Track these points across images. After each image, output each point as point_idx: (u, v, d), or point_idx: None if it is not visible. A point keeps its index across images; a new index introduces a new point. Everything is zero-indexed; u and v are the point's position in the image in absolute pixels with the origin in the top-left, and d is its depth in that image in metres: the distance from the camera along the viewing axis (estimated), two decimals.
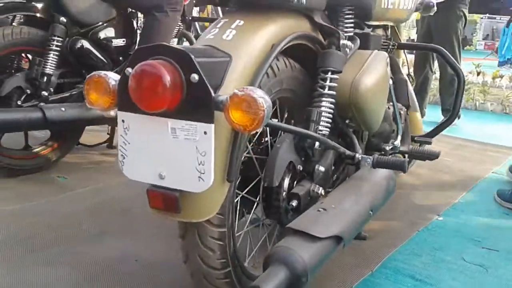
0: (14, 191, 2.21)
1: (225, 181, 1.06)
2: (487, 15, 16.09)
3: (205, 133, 0.93)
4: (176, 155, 0.96)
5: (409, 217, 2.14)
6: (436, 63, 4.28)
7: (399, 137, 1.93)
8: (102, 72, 1.00)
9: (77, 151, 2.78)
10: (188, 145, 0.95)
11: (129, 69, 0.95)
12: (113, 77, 1.00)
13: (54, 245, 1.74)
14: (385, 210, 2.17)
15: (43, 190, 2.24)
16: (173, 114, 0.95)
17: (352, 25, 1.52)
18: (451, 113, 2.10)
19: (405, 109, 2.05)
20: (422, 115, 3.57)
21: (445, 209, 2.28)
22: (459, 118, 4.39)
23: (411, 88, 2.27)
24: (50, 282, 1.51)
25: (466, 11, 4.00)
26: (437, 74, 4.40)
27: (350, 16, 1.51)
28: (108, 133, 2.95)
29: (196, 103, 0.93)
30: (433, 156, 1.86)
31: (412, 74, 2.56)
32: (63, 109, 2.21)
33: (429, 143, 2.10)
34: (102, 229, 1.89)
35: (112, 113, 2.39)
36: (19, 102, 2.24)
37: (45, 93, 2.27)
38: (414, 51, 4.30)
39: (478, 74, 7.19)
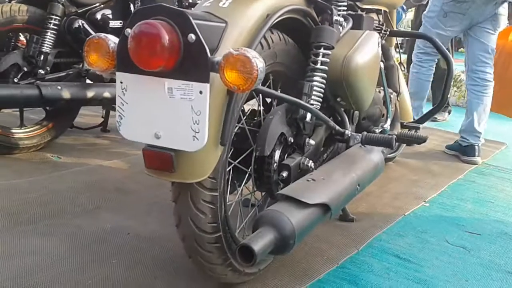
0: (9, 168, 2.23)
1: (219, 144, 1.09)
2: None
3: (200, 92, 0.97)
4: (172, 114, 1.00)
5: (397, 202, 2.19)
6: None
7: (389, 121, 1.97)
8: (102, 34, 1.03)
9: (71, 133, 2.81)
10: (184, 104, 0.98)
11: (128, 30, 0.98)
12: (112, 39, 1.03)
13: (48, 218, 1.77)
14: (374, 195, 2.24)
15: (38, 168, 2.26)
16: (170, 73, 0.98)
17: (345, 3, 1.56)
18: (440, 100, 2.14)
19: (395, 94, 2.09)
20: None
21: (432, 196, 2.33)
22: (449, 113, 4.46)
23: (402, 76, 2.31)
24: (42, 251, 1.53)
25: None
26: None
27: None
28: (102, 117, 2.98)
29: (193, 63, 0.96)
30: (420, 140, 1.91)
31: (404, 64, 2.61)
32: (59, 87, 2.24)
33: (418, 128, 2.15)
34: (96, 205, 1.92)
35: (106, 93, 2.43)
36: (15, 80, 2.26)
37: (41, 71, 2.29)
38: (408, 49, 4.37)
39: None
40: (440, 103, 2.18)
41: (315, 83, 1.40)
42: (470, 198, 2.36)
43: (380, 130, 1.90)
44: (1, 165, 2.26)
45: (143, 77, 1.00)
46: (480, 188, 2.52)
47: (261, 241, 1.03)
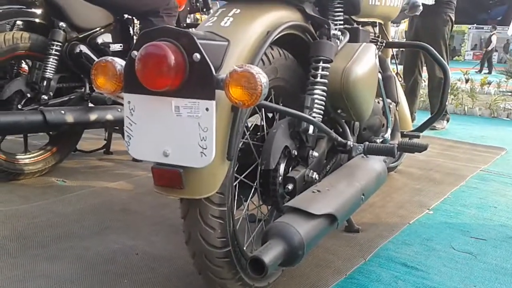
0: (15, 194, 2.25)
1: (225, 159, 1.12)
2: (475, 25, 16.44)
3: (207, 109, 1.00)
4: (180, 132, 1.02)
5: (401, 211, 2.21)
6: (424, 68, 4.40)
7: (389, 131, 2.00)
8: (109, 58, 1.06)
9: (75, 157, 2.83)
10: (191, 122, 1.01)
11: (135, 52, 1.01)
12: (119, 62, 1.06)
13: (57, 241, 1.78)
14: (378, 205, 2.25)
15: (44, 193, 2.28)
16: (177, 92, 1.01)
17: (341, 17, 1.60)
18: (438, 108, 2.18)
19: (394, 104, 2.13)
20: (413, 119, 3.66)
21: (435, 203, 2.35)
22: (448, 121, 4.50)
23: (399, 85, 2.35)
24: (54, 274, 1.55)
25: (452, 16, 4.13)
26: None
27: (339, 9, 1.59)
28: (105, 139, 3.01)
29: (198, 81, 0.99)
30: (421, 148, 1.93)
31: (402, 76, 2.65)
32: (62, 112, 2.27)
33: (418, 137, 2.17)
34: (103, 227, 1.93)
35: (109, 116, 2.46)
36: (19, 106, 2.29)
37: (45, 97, 2.32)
38: (404, 59, 4.43)
39: (467, 81, 7.36)
40: (439, 111, 2.21)
41: (316, 96, 1.43)
42: (473, 204, 2.37)
43: (381, 140, 1.93)
44: (7, 191, 2.28)
45: (150, 97, 1.03)
46: (482, 194, 2.53)
47: (271, 253, 1.05)
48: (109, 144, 2.99)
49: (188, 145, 1.02)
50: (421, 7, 2.37)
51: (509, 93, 6.53)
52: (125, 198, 2.27)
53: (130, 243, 1.78)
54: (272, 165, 1.30)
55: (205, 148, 1.01)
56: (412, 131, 2.25)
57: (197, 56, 0.98)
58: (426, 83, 4.50)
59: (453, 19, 4.23)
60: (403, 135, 2.21)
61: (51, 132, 2.52)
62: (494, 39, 15.74)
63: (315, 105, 1.42)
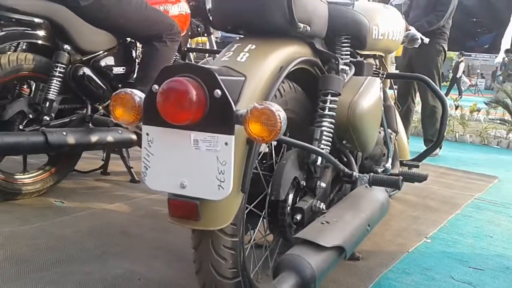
0: (13, 214, 2.23)
1: (240, 191, 1.14)
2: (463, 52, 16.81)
3: (226, 144, 1.02)
4: (198, 165, 1.04)
5: (400, 239, 2.23)
6: (418, 95, 4.48)
7: (390, 160, 2.04)
8: (128, 89, 1.08)
9: (72, 177, 2.82)
10: (210, 155, 1.03)
11: (156, 86, 1.04)
12: (138, 94, 1.08)
13: (57, 265, 1.77)
14: (376, 233, 2.27)
15: (42, 214, 2.27)
16: (196, 126, 1.03)
17: (348, 53, 1.64)
18: (436, 139, 2.22)
19: (395, 134, 2.17)
20: None
21: (432, 232, 2.38)
22: (440, 148, 4.57)
23: (398, 115, 2.40)
24: None
25: (445, 46, 4.23)
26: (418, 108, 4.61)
27: (346, 44, 1.63)
28: (102, 160, 3.00)
29: (218, 116, 1.02)
30: (422, 178, 1.97)
31: (398, 103, 2.71)
32: (64, 133, 2.27)
33: (417, 166, 2.21)
34: (103, 250, 1.92)
35: (110, 138, 2.47)
36: (21, 127, 2.29)
37: (46, 118, 2.33)
38: (397, 85, 4.52)
39: (456, 108, 7.48)
40: (437, 142, 2.26)
41: (324, 128, 1.46)
42: (470, 233, 2.41)
43: (382, 170, 1.96)
44: (5, 211, 2.26)
45: (169, 129, 1.05)
46: (478, 223, 2.57)
47: (284, 287, 1.06)
48: (107, 165, 2.99)
49: (206, 178, 1.04)
50: (419, 40, 2.43)
51: (498, 121, 6.65)
52: (124, 220, 2.26)
53: (131, 268, 1.78)
54: (282, 196, 1.32)
55: (222, 181, 1.03)
56: (411, 160, 2.29)
57: (218, 92, 1.01)
58: (418, 109, 4.59)
59: (446, 49, 4.34)
60: (402, 164, 2.25)
61: (52, 153, 2.52)
62: (461, 66, 16.10)
63: (324, 137, 1.45)
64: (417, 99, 4.54)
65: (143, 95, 1.08)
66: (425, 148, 4.41)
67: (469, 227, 2.49)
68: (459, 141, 5.56)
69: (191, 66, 1.03)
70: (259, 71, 1.20)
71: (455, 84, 15.30)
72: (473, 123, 6.71)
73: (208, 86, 1.01)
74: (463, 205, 2.86)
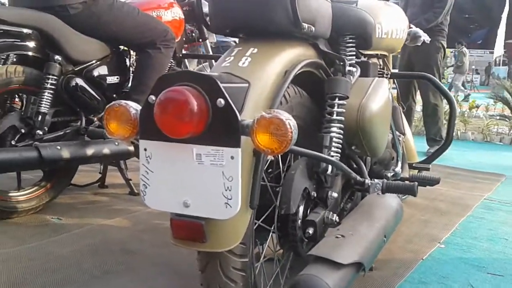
0: (8, 234, 2.13)
1: (248, 208, 1.05)
2: (456, 49, 16.76)
3: (232, 157, 0.92)
4: (202, 181, 0.95)
5: (412, 246, 2.14)
6: (418, 94, 4.41)
7: (399, 164, 1.95)
8: (123, 102, 0.99)
9: (69, 192, 2.73)
10: (214, 170, 0.94)
11: (152, 97, 0.95)
12: (133, 106, 0.99)
13: None
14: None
15: (38, 232, 2.17)
16: (198, 139, 0.94)
17: (353, 53, 1.55)
18: (445, 139, 2.14)
19: (403, 136, 2.08)
20: None
21: (445, 236, 2.29)
22: None
23: (403, 116, 2.31)
24: None
25: (444, 43, 4.16)
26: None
27: (351, 44, 1.55)
28: (99, 172, 2.91)
29: (222, 128, 0.93)
30: (434, 181, 1.88)
31: (402, 103, 2.62)
32: (58, 147, 2.18)
33: (428, 169, 2.12)
34: (104, 270, 1.83)
35: (106, 150, 2.38)
36: (13, 142, 2.19)
37: (39, 132, 2.23)
38: (398, 86, 4.44)
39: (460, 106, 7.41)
40: (446, 142, 2.17)
41: (333, 134, 1.37)
42: (484, 236, 2.32)
43: (392, 174, 1.88)
44: (0, 231, 2.17)
45: (169, 144, 0.96)
46: (491, 225, 2.48)
47: None
48: (104, 178, 2.89)
49: (211, 195, 0.95)
50: (422, 38, 2.35)
51: (498, 117, 6.58)
52: (124, 236, 2.16)
53: None
54: (292, 210, 1.23)
55: (230, 199, 0.94)
56: (421, 162, 2.20)
57: (221, 101, 0.92)
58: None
59: (445, 46, 4.27)
60: (411, 167, 2.16)
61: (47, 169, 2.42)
62: (466, 61, 15.96)
63: (333, 144, 1.36)
64: (417, 97, 4.46)
65: (139, 107, 0.99)
66: (427, 147, 4.36)
67: (482, 230, 2.40)
68: (461, 139, 5.48)
69: (190, 74, 0.94)
70: (263, 77, 1.11)
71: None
72: (473, 120, 6.64)
73: (210, 95, 0.92)
74: (474, 206, 2.77)
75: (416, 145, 2.48)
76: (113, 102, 1.00)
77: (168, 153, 0.97)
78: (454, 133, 5.42)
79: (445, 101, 4.62)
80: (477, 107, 7.82)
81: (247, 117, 0.98)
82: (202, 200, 0.96)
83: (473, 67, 21.82)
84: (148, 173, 0.99)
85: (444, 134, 4.66)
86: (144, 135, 0.98)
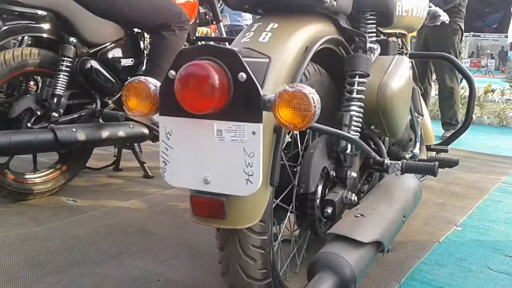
0: (25, 216, 2.15)
1: (268, 186, 1.03)
2: (472, 33, 16.50)
3: (253, 133, 0.91)
4: (222, 157, 0.94)
5: (428, 228, 2.12)
6: (434, 77, 4.34)
7: (418, 145, 1.92)
8: (142, 77, 0.98)
9: (83, 174, 2.75)
10: (235, 146, 0.93)
11: (172, 72, 0.93)
12: (153, 82, 0.98)
13: (73, 267, 1.69)
14: None
15: (55, 214, 2.19)
16: (219, 115, 0.92)
17: (374, 31, 1.52)
18: (464, 120, 2.10)
19: (421, 118, 2.05)
20: None
21: (462, 219, 2.26)
22: None
23: (421, 97, 2.27)
24: None
25: (462, 25, 4.08)
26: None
27: (372, 21, 1.52)
28: (114, 155, 2.92)
29: (244, 103, 0.91)
30: (453, 163, 1.85)
31: (419, 84, 2.58)
32: (74, 129, 2.18)
33: (446, 151, 2.09)
34: (120, 250, 1.84)
35: (121, 133, 2.38)
36: (29, 124, 2.20)
37: (55, 114, 2.24)
38: (414, 65, 4.38)
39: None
40: (465, 123, 2.13)
41: (353, 112, 1.35)
42: (501, 219, 2.29)
43: (410, 156, 1.85)
44: (17, 212, 2.19)
45: (189, 120, 0.95)
46: (508, 208, 2.45)
47: None
48: (119, 161, 2.90)
49: (232, 171, 0.94)
50: (441, 17, 2.30)
51: None
52: (139, 218, 2.17)
53: (150, 268, 1.69)
54: (312, 189, 1.21)
55: (251, 175, 0.93)
56: (438, 144, 2.17)
57: (242, 75, 0.90)
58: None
59: (463, 28, 4.18)
60: (429, 149, 2.13)
61: (62, 151, 2.43)
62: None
63: (353, 123, 1.34)
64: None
65: (158, 83, 0.98)
66: (443, 131, 4.31)
67: (499, 213, 2.37)
68: (477, 123, 5.41)
69: (211, 48, 0.92)
70: (284, 52, 1.09)
71: None
72: (488, 104, 6.54)
73: (231, 69, 0.90)
74: (491, 189, 2.74)
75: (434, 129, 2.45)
76: (132, 78, 0.99)
77: (188, 129, 0.95)
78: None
79: (461, 84, 4.56)
80: (493, 91, 7.70)
81: (268, 92, 0.96)
82: (222, 176, 0.95)
83: (488, 51, 21.45)
84: (168, 149, 0.98)
85: (459, 118, 4.62)
86: (164, 111, 0.97)
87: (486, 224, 2.22)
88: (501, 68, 21.16)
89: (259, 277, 1.11)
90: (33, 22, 2.19)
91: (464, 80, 3.04)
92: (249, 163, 0.92)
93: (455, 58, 2.10)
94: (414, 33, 4.27)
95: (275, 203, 1.25)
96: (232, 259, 1.10)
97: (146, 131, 2.46)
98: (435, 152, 2.11)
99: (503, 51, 25.28)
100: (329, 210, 1.28)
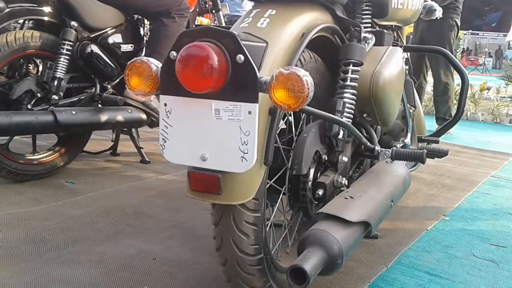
0: (24, 195, 2.20)
1: (262, 164, 1.08)
2: (470, 31, 16.49)
3: (249, 112, 0.96)
4: (219, 135, 0.99)
5: (417, 218, 2.18)
6: (429, 73, 4.39)
7: (409, 135, 1.97)
8: (144, 58, 1.02)
9: (82, 158, 2.79)
10: (232, 125, 0.97)
11: (174, 53, 0.98)
12: (154, 63, 1.02)
13: (71, 245, 1.74)
14: (393, 211, 2.20)
15: (53, 194, 2.23)
16: (217, 95, 0.97)
17: (369, 21, 1.57)
18: (456, 112, 2.15)
19: (413, 109, 2.10)
20: None
21: (450, 209, 2.32)
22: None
23: (414, 90, 2.32)
24: (69, 279, 1.50)
25: (458, 21, 4.12)
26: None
27: (367, 12, 1.56)
28: (112, 140, 2.96)
29: (241, 84, 0.96)
30: (442, 153, 1.91)
31: (414, 78, 2.63)
32: (73, 112, 2.23)
33: (437, 142, 2.15)
34: (116, 230, 1.89)
35: (120, 117, 2.42)
36: (29, 106, 2.24)
37: (55, 97, 2.28)
38: (409, 59, 4.42)
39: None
40: (456, 115, 2.18)
41: (346, 99, 1.40)
42: (489, 210, 2.35)
43: (401, 145, 1.90)
44: (16, 192, 2.23)
45: (188, 99, 0.99)
46: (496, 200, 2.51)
47: (311, 262, 1.01)
48: (116, 145, 2.94)
49: (228, 149, 0.99)
50: (437, 12, 2.34)
51: (509, 98, 6.54)
52: (136, 201, 2.22)
53: (145, 248, 1.74)
54: (304, 171, 1.26)
55: (246, 153, 0.97)
56: (430, 135, 2.23)
57: (240, 57, 0.95)
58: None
59: (459, 24, 4.23)
60: (420, 140, 2.18)
61: (61, 134, 2.47)
62: None
63: (346, 109, 1.39)
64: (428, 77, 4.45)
65: (159, 64, 1.02)
66: (437, 127, 4.36)
67: (487, 205, 2.43)
68: (471, 119, 5.47)
69: (211, 30, 0.97)
70: (281, 38, 1.14)
71: None
72: (483, 102, 6.60)
73: (230, 51, 0.95)
74: (480, 182, 2.80)
75: (427, 124, 2.49)
76: (135, 58, 1.03)
77: (187, 108, 1.00)
78: (464, 114, 5.39)
79: (457, 81, 4.61)
80: (488, 89, 7.76)
81: (264, 75, 1.00)
82: (219, 153, 1.00)
83: (486, 49, 21.46)
84: (168, 127, 1.03)
85: (453, 113, 4.68)
86: (164, 90, 1.01)
87: (474, 214, 2.28)
88: (497, 67, 21.21)
89: (251, 252, 1.16)
90: (35, 5, 2.23)
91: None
92: (244, 141, 0.97)
93: (449, 52, 2.15)
94: (411, 29, 4.32)
95: (269, 184, 1.30)
96: (226, 234, 1.15)
97: (144, 116, 2.51)
98: (426, 143, 2.17)
99: (499, 50, 25.31)
100: (320, 192, 1.33)
